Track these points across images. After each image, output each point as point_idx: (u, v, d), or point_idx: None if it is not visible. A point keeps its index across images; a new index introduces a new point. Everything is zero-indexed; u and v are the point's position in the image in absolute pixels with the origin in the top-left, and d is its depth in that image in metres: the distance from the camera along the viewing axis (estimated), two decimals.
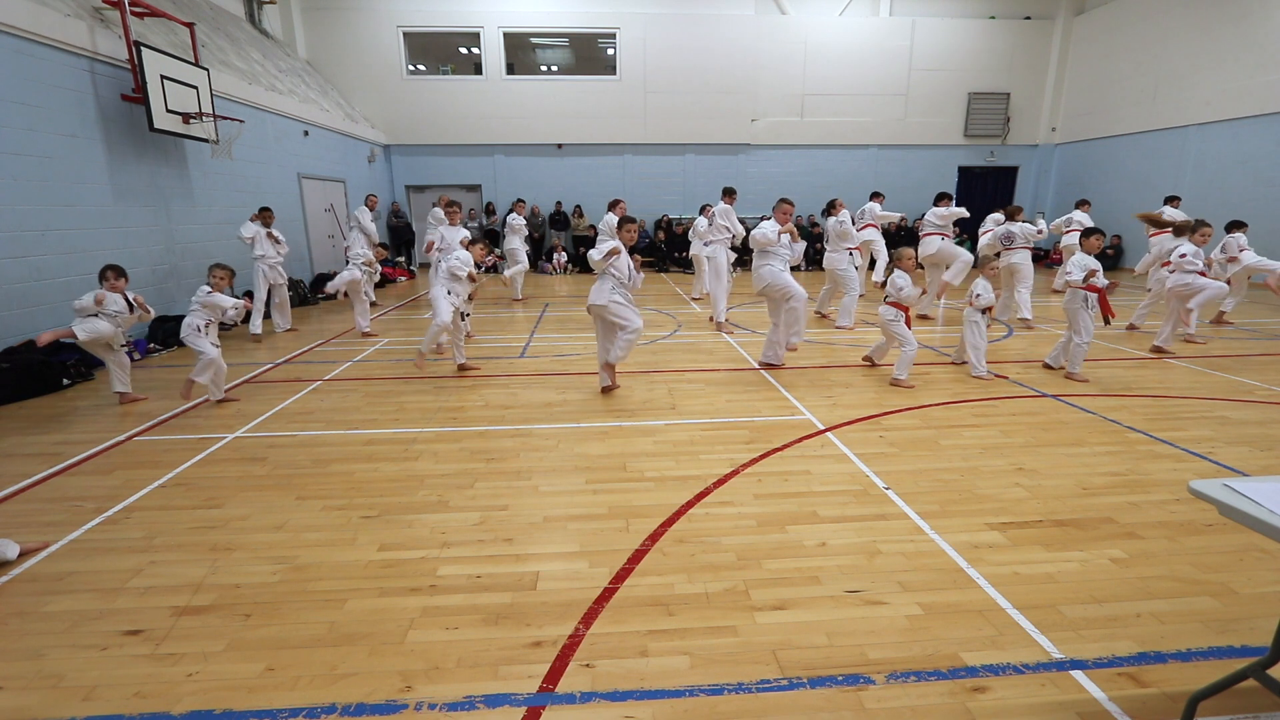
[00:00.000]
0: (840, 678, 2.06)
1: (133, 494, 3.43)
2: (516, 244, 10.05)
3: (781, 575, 2.63)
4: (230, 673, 2.10)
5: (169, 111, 7.16)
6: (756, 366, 6.00)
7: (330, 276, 9.27)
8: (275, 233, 7.63)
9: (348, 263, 7.66)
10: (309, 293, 10.43)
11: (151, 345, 6.83)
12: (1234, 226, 7.36)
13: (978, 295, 5.44)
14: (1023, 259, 7.61)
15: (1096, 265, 5.29)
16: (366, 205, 9.34)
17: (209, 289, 4.88)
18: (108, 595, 2.53)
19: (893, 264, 5.61)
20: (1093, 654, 2.15)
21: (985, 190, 16.03)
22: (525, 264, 10.28)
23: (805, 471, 3.64)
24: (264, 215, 7.70)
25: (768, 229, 5.56)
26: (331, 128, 12.09)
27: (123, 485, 3.54)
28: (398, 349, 6.94)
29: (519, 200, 10.38)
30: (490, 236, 14.81)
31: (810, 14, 14.94)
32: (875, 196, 9.31)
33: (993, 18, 15.17)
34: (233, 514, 3.20)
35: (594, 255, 4.83)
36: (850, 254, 7.85)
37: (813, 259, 13.21)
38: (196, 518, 3.16)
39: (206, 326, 4.84)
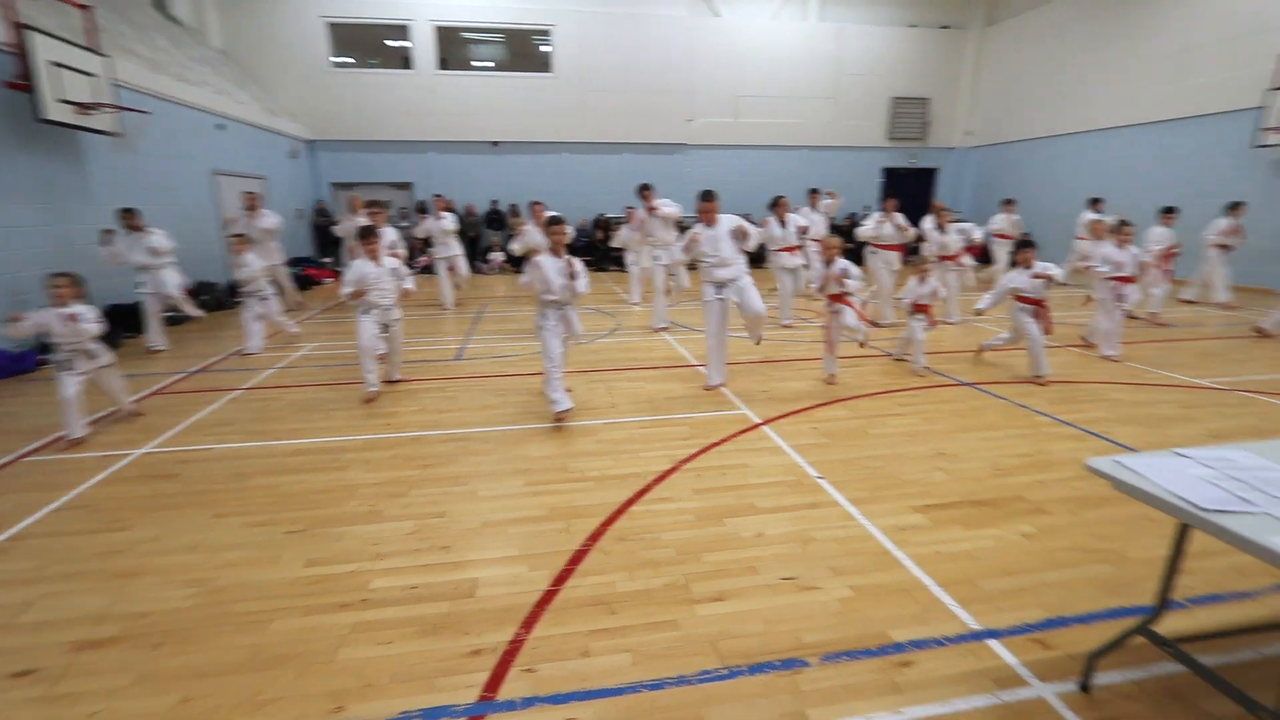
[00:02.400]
0: (777, 662, 2.12)
1: (22, 520, 3.14)
2: (441, 247, 9.44)
3: (720, 567, 2.68)
4: (139, 709, 1.96)
5: (61, 101, 6.58)
6: (695, 364, 6.07)
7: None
8: (151, 234, 6.56)
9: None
10: (227, 296, 9.82)
11: (41, 359, 6.27)
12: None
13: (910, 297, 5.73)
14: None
15: (1021, 284, 5.29)
16: (245, 206, 8.26)
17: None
18: None
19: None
20: (1007, 623, 2.30)
21: (908, 191, 16.79)
22: (444, 271, 9.52)
23: (742, 465, 3.72)
24: (126, 218, 6.54)
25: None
26: (249, 121, 11.43)
27: (11, 510, 3.24)
28: (325, 354, 6.65)
29: (437, 196, 9.78)
30: (426, 241, 14.37)
31: (743, 17, 15.24)
32: (812, 195, 9.35)
33: (913, 25, 15.92)
34: (140, 536, 2.98)
35: (520, 282, 4.50)
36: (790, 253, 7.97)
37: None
38: (98, 543, 2.93)
39: (70, 357, 4.13)
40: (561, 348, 4.49)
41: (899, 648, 2.19)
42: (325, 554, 2.81)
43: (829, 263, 5.31)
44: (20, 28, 6.18)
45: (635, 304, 9.52)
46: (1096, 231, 6.72)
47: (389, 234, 6.96)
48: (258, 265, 6.63)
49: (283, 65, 13.54)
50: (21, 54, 6.22)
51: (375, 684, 2.05)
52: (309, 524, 3.08)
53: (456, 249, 9.50)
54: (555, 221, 4.42)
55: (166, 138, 9.01)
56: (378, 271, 4.97)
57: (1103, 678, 2.02)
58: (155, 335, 6.88)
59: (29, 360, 6.06)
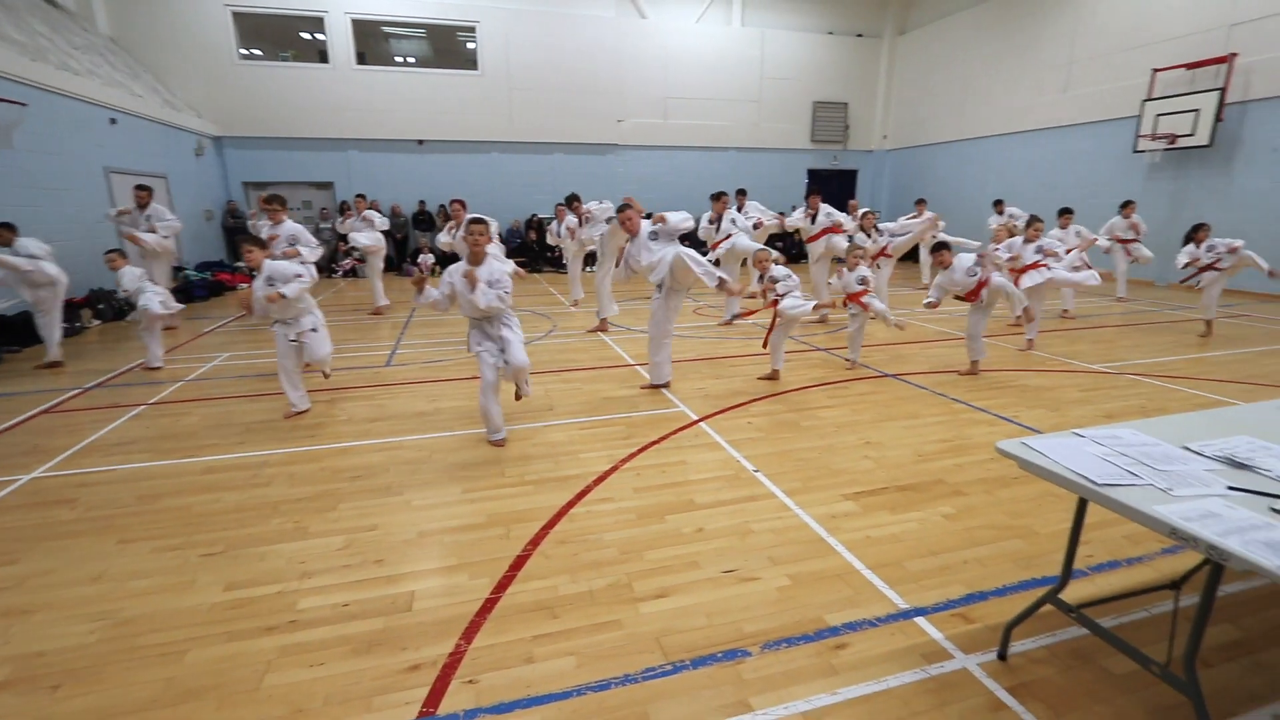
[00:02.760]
0: (720, 654, 2.16)
1: None
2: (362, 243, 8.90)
3: (662, 564, 2.70)
4: None
5: None
6: (631, 363, 6.10)
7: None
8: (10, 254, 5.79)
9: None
10: (126, 305, 9.07)
11: None
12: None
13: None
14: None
15: (947, 282, 5.42)
16: (136, 203, 7.54)
17: None
18: None
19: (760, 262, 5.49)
20: (932, 600, 2.44)
21: (831, 191, 17.49)
22: (377, 269, 9.12)
23: (681, 462, 3.77)
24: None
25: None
26: (147, 116, 10.59)
27: None
28: (241, 363, 6.25)
29: (359, 196, 9.24)
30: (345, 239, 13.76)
31: (668, 19, 15.43)
32: (740, 195, 9.38)
33: (830, 33, 16.58)
34: (31, 569, 2.71)
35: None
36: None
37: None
38: None
39: None
40: (494, 375, 3.93)
41: (834, 631, 2.28)
42: (246, 576, 2.65)
43: (762, 275, 5.33)
44: None
45: (577, 300, 9.36)
46: (999, 237, 7.27)
47: (287, 229, 6.32)
48: (134, 275, 5.94)
49: (183, 56, 12.63)
50: None
51: (307, 709, 1.95)
52: (227, 545, 2.89)
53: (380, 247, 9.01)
54: (475, 221, 3.91)
55: (49, 132, 8.23)
56: (257, 283, 4.37)
57: (1018, 646, 2.17)
58: (53, 346, 6.17)
59: None
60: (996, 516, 3.09)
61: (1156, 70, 10.73)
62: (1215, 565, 1.53)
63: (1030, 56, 13.26)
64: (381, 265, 9.27)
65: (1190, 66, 10.29)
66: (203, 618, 2.38)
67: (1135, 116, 11.07)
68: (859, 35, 16.80)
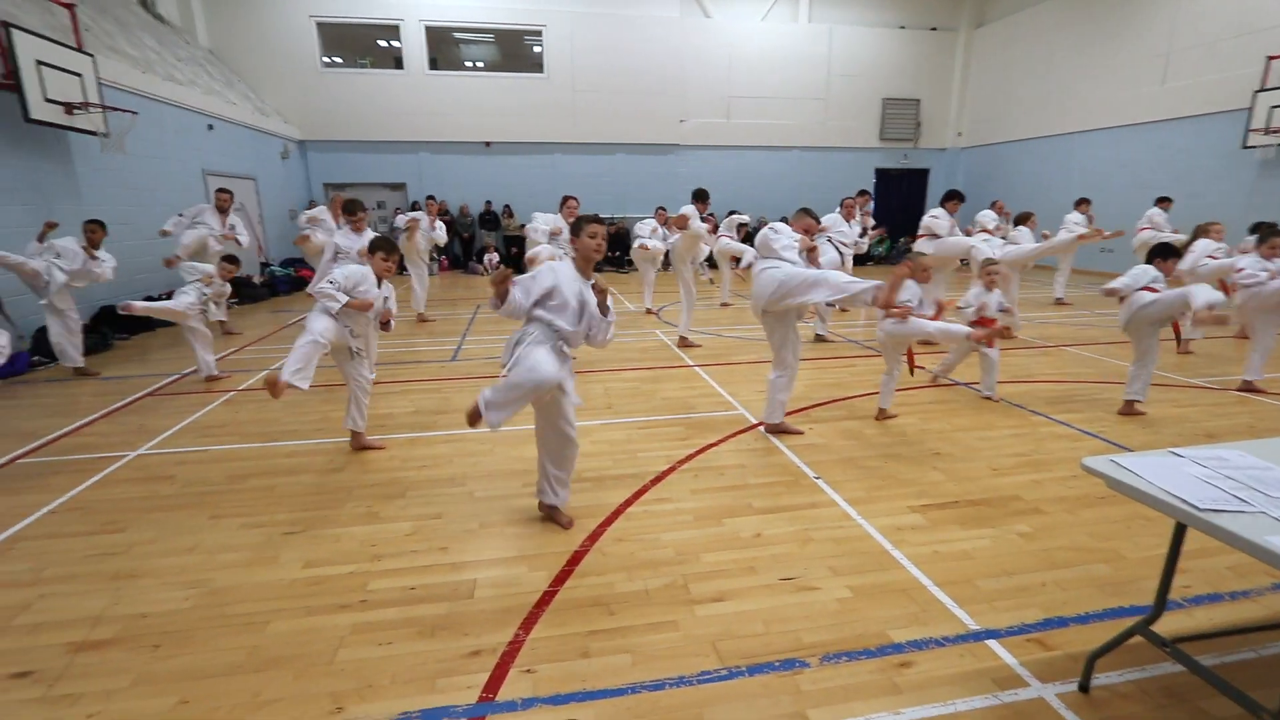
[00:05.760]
0: (777, 663, 2.12)
1: (17, 522, 3.11)
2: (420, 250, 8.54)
3: (719, 567, 2.68)
4: (138, 710, 1.94)
5: (48, 101, 6.52)
6: (690, 364, 6.08)
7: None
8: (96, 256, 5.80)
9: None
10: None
11: (36, 358, 6.20)
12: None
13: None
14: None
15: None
16: (218, 205, 7.47)
17: None
18: None
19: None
20: (1005, 623, 2.32)
21: (901, 191, 16.93)
22: (423, 276, 8.72)
23: (740, 465, 3.72)
24: (90, 232, 5.78)
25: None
26: (240, 122, 11.37)
27: (6, 513, 3.20)
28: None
29: (430, 197, 9.21)
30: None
31: (733, 18, 15.29)
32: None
33: (902, 27, 16.01)
34: (137, 538, 2.95)
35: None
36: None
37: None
38: (94, 544, 2.90)
39: None
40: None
41: (898, 648, 2.19)
42: (323, 555, 2.80)
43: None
44: (3, 26, 6.11)
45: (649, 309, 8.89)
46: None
47: (366, 242, 5.27)
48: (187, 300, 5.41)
49: (272, 65, 13.47)
50: (5, 53, 6.14)
51: (375, 685, 2.04)
52: (306, 525, 3.06)
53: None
54: (590, 221, 2.90)
55: (155, 138, 8.94)
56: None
57: (1101, 678, 2.03)
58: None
59: (21, 362, 5.99)
60: (1079, 538, 2.91)
61: (1271, 58, 9.81)
62: None
63: (1122, 47, 12.39)
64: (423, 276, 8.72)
65: None
66: (284, 592, 2.53)
67: (1245, 109, 10.16)
68: (933, 29, 16.16)
